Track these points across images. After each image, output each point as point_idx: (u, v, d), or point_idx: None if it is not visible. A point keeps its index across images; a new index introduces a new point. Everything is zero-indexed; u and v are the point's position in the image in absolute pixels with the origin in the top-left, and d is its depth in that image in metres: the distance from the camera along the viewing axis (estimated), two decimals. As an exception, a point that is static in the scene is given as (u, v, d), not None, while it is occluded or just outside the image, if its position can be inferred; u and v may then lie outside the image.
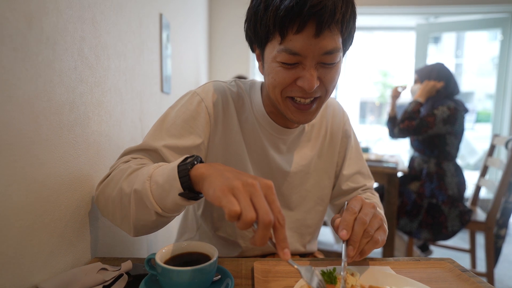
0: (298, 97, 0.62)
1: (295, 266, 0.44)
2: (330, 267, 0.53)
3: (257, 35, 0.61)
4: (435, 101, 1.89)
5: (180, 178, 0.47)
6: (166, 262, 0.51)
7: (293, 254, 0.81)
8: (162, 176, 0.50)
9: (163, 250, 0.52)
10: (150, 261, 0.53)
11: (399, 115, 2.01)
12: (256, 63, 0.72)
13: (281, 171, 0.75)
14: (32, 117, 0.48)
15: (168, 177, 0.49)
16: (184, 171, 0.48)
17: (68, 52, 0.58)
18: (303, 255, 0.83)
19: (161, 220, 0.55)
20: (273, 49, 0.60)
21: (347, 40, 0.61)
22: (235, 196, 0.40)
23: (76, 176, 0.61)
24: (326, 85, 0.62)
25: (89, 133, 0.67)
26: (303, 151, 0.78)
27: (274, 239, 0.41)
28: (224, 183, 0.41)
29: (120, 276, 0.55)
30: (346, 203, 0.62)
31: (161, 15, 1.25)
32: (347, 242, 0.55)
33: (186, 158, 0.50)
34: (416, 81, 1.99)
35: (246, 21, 0.64)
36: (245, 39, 0.67)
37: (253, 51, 0.69)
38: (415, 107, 1.88)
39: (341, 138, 0.82)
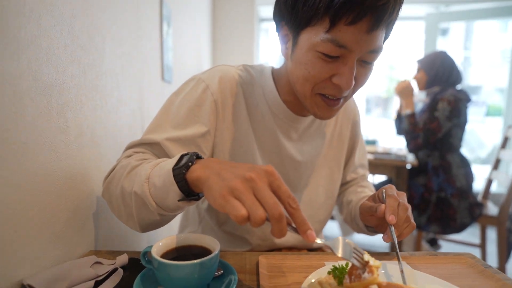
0: (329, 95, 0.58)
1: (323, 243, 0.42)
2: (343, 262, 0.49)
3: (296, 14, 0.54)
4: (437, 92, 1.83)
5: (177, 182, 0.45)
6: (164, 256, 0.47)
7: (302, 249, 0.77)
8: (159, 177, 0.47)
9: (160, 243, 0.48)
10: (147, 254, 0.49)
11: (417, 114, 1.85)
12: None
13: (291, 160, 0.71)
14: (15, 97, 0.44)
15: (165, 181, 0.46)
16: (180, 175, 0.45)
17: (57, 28, 0.53)
18: (311, 249, 0.80)
19: (166, 218, 0.53)
20: (314, 35, 0.53)
21: (383, 42, 0.57)
22: (237, 198, 0.38)
23: (67, 164, 0.57)
24: (357, 85, 0.59)
25: (82, 119, 0.62)
26: (314, 139, 0.74)
27: (294, 224, 0.39)
28: (223, 187, 0.39)
29: (115, 270, 0.51)
30: (384, 190, 0.62)
31: (161, 1, 1.20)
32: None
33: (181, 158, 0.47)
34: (418, 70, 1.92)
35: None
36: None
37: (278, 30, 0.62)
38: (410, 121, 1.81)
39: (351, 129, 0.81)
